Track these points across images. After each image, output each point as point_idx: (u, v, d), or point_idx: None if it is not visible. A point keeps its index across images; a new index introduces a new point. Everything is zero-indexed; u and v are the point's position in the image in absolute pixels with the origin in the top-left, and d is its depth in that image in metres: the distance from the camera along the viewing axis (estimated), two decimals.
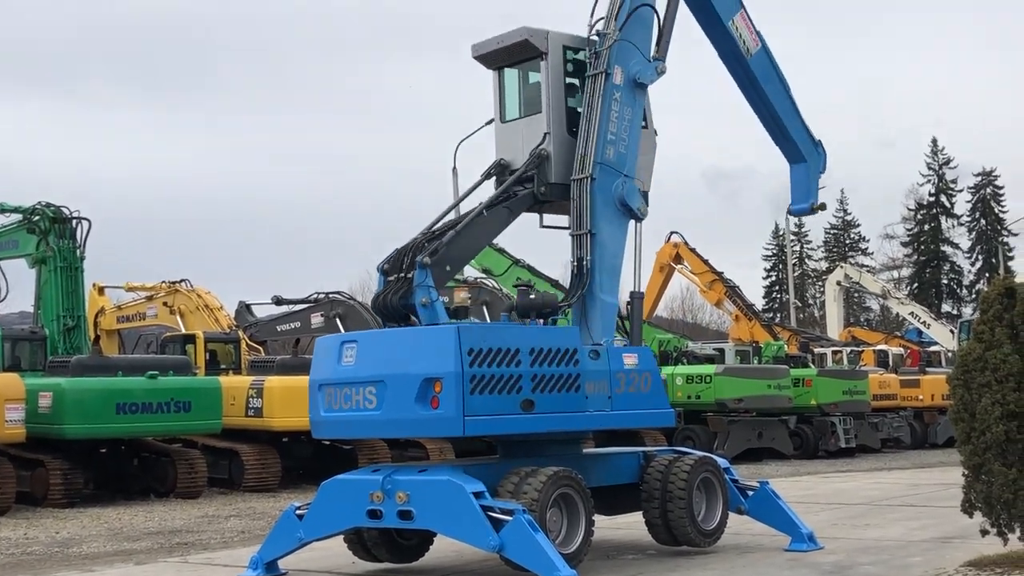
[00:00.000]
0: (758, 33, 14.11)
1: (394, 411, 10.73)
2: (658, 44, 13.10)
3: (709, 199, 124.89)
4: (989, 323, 10.07)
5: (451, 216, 12.69)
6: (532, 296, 12.08)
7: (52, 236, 25.39)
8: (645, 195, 12.92)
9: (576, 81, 12.84)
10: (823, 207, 15.37)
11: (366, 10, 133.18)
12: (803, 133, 14.85)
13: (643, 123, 13.13)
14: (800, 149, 14.83)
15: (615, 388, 11.62)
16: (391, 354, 11.10)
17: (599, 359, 11.59)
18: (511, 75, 13.18)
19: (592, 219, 12.20)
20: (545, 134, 12.48)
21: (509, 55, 12.96)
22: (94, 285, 29.66)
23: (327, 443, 23.49)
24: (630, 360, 11.92)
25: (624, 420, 12.14)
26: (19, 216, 26.02)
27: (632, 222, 12.72)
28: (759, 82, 14.24)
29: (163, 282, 31.17)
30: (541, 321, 11.64)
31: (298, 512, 11.09)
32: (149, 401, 20.52)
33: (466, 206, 12.86)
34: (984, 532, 10.00)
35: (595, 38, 12.80)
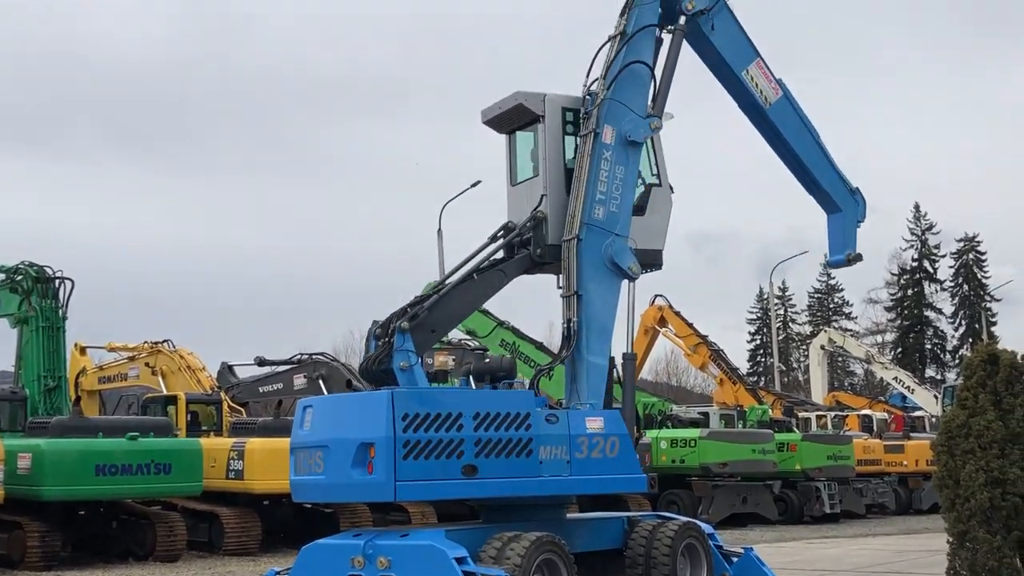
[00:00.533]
0: (778, 81, 13.91)
1: (335, 475, 10.92)
2: (654, 100, 13.10)
3: (694, 262, 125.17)
4: (972, 389, 10.11)
5: (456, 277, 12.69)
6: (487, 360, 12.10)
7: (35, 296, 25.38)
8: (659, 253, 13.03)
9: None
10: (859, 258, 14.72)
11: (348, 74, 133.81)
12: (836, 182, 14.41)
13: (656, 180, 13.18)
14: (834, 199, 14.41)
15: (575, 453, 11.52)
16: (336, 419, 11.35)
17: (557, 423, 11.54)
18: (523, 138, 13.29)
19: (579, 280, 12.24)
20: (542, 196, 12.55)
21: (511, 120, 13.10)
22: (76, 345, 29.55)
23: (308, 506, 23.33)
24: (594, 424, 11.80)
25: (586, 486, 11.99)
26: (1, 276, 25.99)
27: (625, 282, 12.67)
28: (781, 132, 14.00)
29: (145, 342, 31.04)
30: (497, 384, 11.72)
31: None
32: (129, 463, 20.37)
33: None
34: None
35: (589, 97, 12.87)
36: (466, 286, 12.40)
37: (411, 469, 10.51)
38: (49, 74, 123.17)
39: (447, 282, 12.55)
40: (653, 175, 13.32)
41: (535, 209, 12.56)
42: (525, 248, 12.63)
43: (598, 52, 13.16)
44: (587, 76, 13.06)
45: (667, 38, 13.34)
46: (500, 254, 12.83)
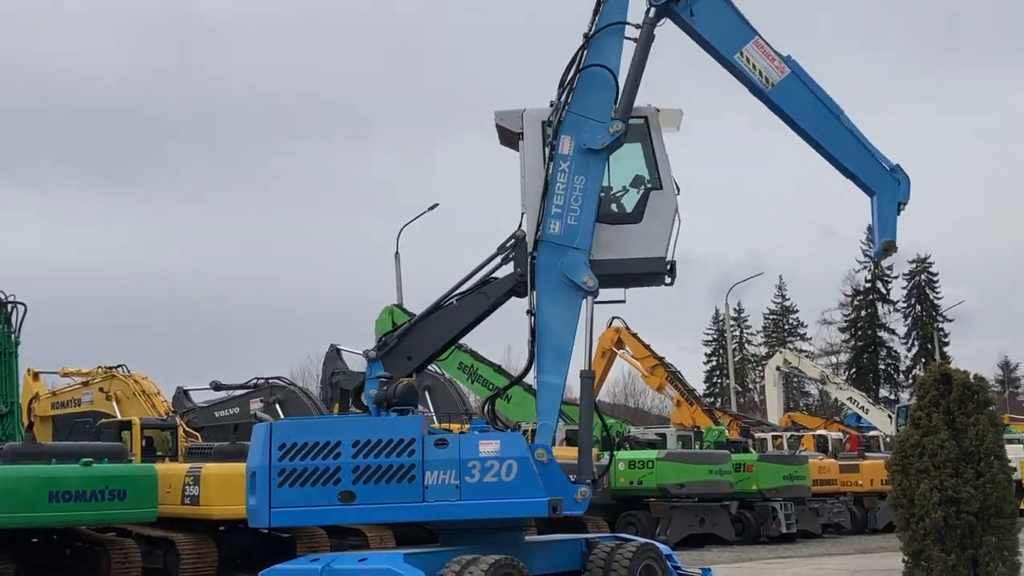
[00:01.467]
0: (785, 59, 12.94)
1: (248, 501, 11.78)
2: (617, 101, 12.59)
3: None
4: (926, 409, 10.20)
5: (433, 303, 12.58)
6: (387, 388, 11.94)
7: None
8: (661, 261, 12.52)
9: None
10: (894, 248, 13.01)
11: (316, 96, 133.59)
12: (868, 163, 13.03)
13: (654, 183, 12.68)
14: (865, 182, 13.04)
15: (466, 477, 11.39)
16: (252, 448, 11.98)
17: (447, 447, 11.47)
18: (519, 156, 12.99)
19: (534, 297, 12.08)
20: (522, 213, 12.43)
21: (505, 138, 13.00)
22: (28, 370, 29.22)
23: (265, 531, 23.18)
24: (488, 447, 11.61)
25: (477, 510, 11.58)
26: None
27: (586, 298, 12.31)
28: (789, 114, 13.06)
29: (99, 367, 30.78)
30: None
31: None
32: (83, 489, 20.15)
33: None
34: None
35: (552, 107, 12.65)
36: (443, 311, 12.33)
37: (287, 496, 11.13)
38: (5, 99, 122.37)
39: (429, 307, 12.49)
40: (650, 178, 12.75)
41: (519, 227, 12.45)
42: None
43: (574, 57, 12.74)
44: (558, 87, 12.68)
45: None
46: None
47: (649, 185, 12.71)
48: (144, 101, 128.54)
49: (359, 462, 11.16)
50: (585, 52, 12.63)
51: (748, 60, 12.84)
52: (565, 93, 12.50)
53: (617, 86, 12.63)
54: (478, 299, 12.48)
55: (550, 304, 12.17)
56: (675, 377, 41.21)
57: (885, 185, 12.85)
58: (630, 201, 12.88)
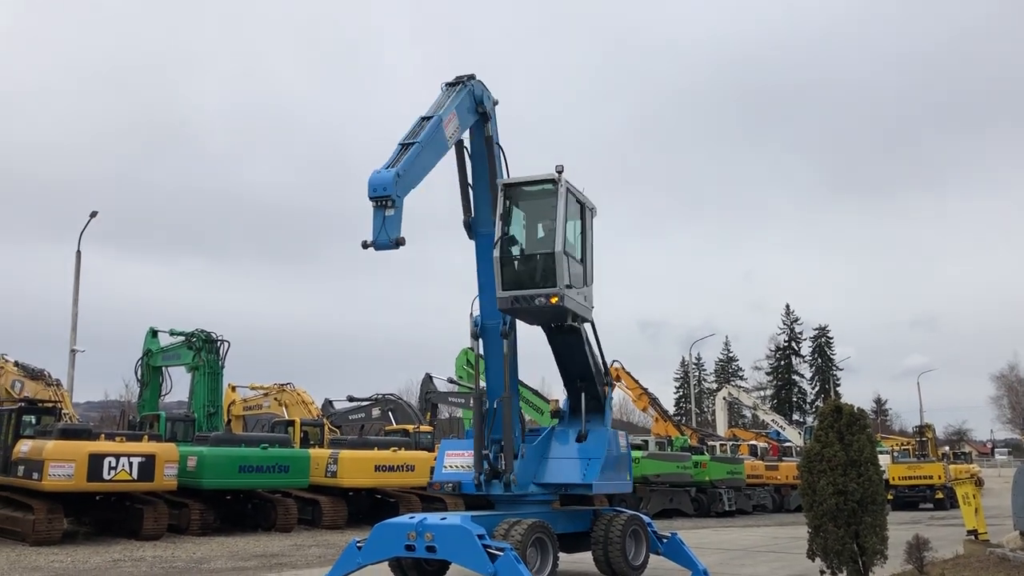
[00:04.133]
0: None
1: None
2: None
3: (640, 339, 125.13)
4: (825, 430, 10.04)
5: None
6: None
7: (204, 352, 25.44)
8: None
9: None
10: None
11: None
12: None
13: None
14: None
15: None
16: None
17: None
18: None
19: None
20: None
21: None
22: (229, 385, 29.55)
23: (379, 496, 23.09)
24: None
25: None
26: (183, 337, 26.08)
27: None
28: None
29: (275, 384, 31.01)
30: None
31: (358, 544, 10.86)
32: (261, 464, 20.28)
33: None
34: (822, 572, 9.81)
35: None
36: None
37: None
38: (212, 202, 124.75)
39: None
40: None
41: None
42: None
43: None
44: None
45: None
46: None
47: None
48: (306, 217, 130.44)
49: None
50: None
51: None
52: None
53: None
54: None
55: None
56: (654, 402, 40.71)
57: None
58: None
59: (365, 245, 9.27)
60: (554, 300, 10.35)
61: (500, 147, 11.45)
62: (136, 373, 27.81)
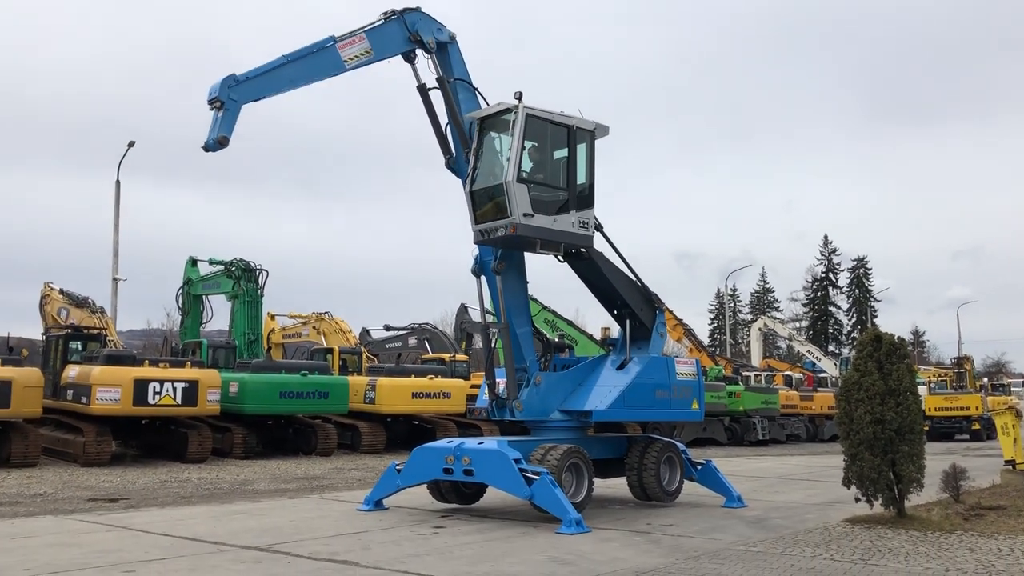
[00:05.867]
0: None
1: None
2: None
3: (676, 270, 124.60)
4: (864, 359, 9.95)
5: None
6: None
7: (243, 281, 25.72)
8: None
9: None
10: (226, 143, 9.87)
11: None
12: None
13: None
14: None
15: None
16: None
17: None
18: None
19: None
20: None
21: None
22: (268, 313, 30.02)
23: (416, 422, 23.47)
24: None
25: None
26: (222, 267, 26.37)
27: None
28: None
29: (313, 313, 31.38)
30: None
31: (397, 468, 11.03)
32: (301, 391, 20.65)
33: None
34: (857, 499, 9.84)
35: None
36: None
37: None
38: (249, 135, 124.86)
39: None
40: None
41: None
42: None
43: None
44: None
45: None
46: None
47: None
48: (343, 142, 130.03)
49: None
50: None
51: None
52: None
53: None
54: None
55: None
56: (689, 333, 40.61)
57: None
58: None
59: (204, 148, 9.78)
60: (512, 230, 10.28)
61: (467, 83, 11.39)
62: (177, 302, 28.28)
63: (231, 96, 9.80)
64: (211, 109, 9.82)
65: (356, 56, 10.75)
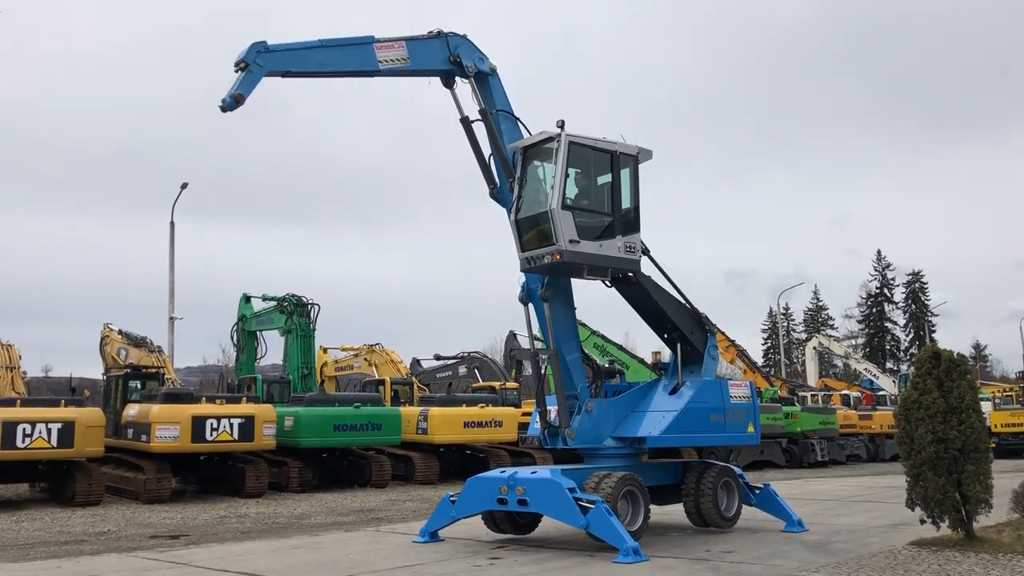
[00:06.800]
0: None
1: None
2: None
3: (727, 290, 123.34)
4: (923, 376, 9.72)
5: None
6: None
7: (295, 315, 26.08)
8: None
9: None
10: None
11: None
12: None
13: None
14: None
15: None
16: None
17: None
18: None
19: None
20: None
21: None
22: (320, 347, 30.32)
23: (468, 452, 23.46)
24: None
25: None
26: (274, 302, 26.79)
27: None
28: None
29: (364, 344, 31.67)
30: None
31: (451, 499, 11.02)
32: (355, 423, 20.78)
33: None
34: (923, 521, 9.58)
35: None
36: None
37: None
38: (299, 171, 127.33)
39: None
40: None
41: None
42: None
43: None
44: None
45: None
46: None
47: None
48: (384, 174, 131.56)
49: None
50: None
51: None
52: None
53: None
54: None
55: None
56: (742, 353, 40.11)
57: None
58: None
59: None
60: (559, 256, 10.30)
61: (509, 113, 11.50)
62: (232, 338, 28.76)
63: (257, 61, 9.98)
64: (236, 71, 9.96)
65: (391, 60, 10.89)
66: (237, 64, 9.95)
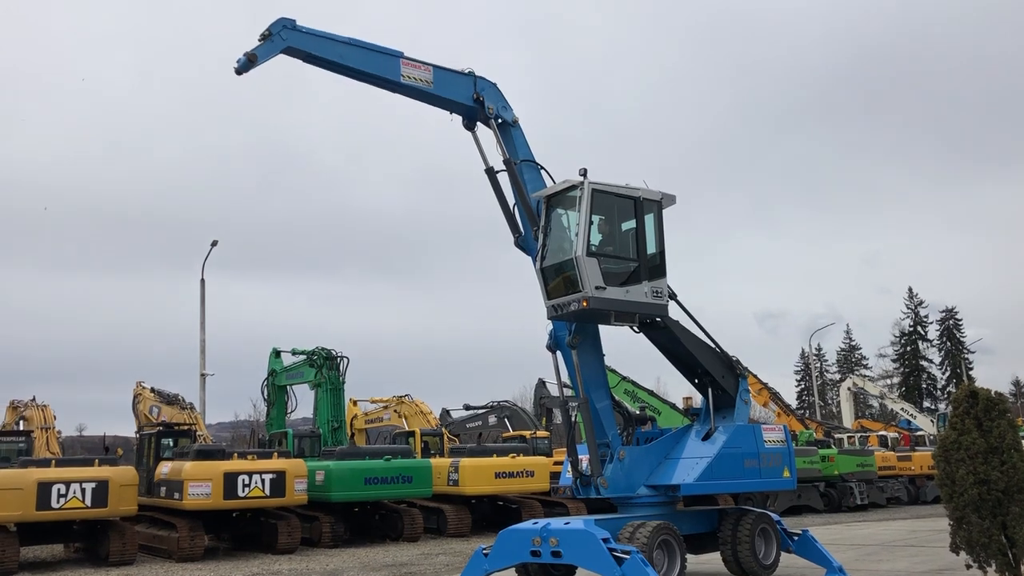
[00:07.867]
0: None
1: None
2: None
3: (759, 332, 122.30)
4: (960, 416, 9.55)
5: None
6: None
7: (325, 369, 26.14)
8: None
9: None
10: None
11: None
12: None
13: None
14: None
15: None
16: None
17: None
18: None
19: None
20: None
21: None
22: (350, 399, 30.34)
23: (500, 503, 23.24)
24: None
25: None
26: (304, 356, 26.93)
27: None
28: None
29: (394, 396, 31.68)
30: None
31: (484, 551, 10.94)
32: (386, 476, 20.67)
33: None
34: (968, 566, 9.34)
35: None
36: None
37: None
38: (324, 225, 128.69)
39: None
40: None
41: None
42: None
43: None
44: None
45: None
46: None
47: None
48: (411, 225, 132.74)
49: None
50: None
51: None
52: None
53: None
54: None
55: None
56: (775, 396, 39.68)
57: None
58: None
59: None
60: (585, 303, 10.31)
61: (533, 162, 11.62)
62: (263, 393, 28.86)
63: (280, 34, 10.22)
64: (259, 41, 10.17)
65: (414, 78, 11.03)
66: (261, 35, 10.19)
